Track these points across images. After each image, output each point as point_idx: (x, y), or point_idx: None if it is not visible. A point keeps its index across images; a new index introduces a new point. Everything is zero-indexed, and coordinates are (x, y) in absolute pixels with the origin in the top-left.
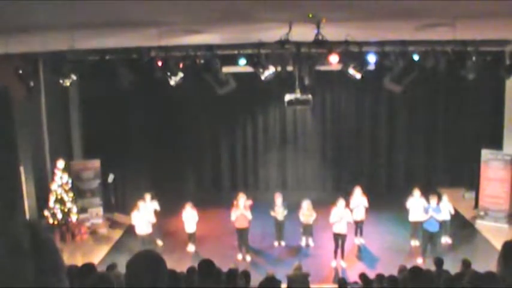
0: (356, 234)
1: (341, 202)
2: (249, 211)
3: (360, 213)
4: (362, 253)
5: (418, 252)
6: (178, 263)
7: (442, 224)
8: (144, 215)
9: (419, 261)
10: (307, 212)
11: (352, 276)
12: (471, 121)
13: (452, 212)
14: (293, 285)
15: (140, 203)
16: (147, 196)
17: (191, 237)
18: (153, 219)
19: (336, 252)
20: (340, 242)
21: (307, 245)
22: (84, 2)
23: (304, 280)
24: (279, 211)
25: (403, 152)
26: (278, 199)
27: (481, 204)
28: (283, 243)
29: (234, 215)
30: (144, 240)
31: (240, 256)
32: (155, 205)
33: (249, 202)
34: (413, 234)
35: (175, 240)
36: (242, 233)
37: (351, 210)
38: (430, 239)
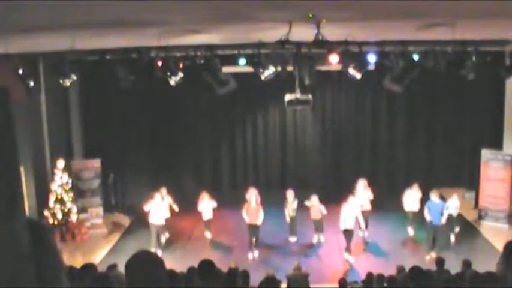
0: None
1: (352, 199)
2: (261, 208)
3: (364, 205)
4: (368, 248)
5: (419, 249)
6: (179, 262)
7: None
8: (160, 206)
9: (427, 257)
10: (315, 207)
11: (359, 270)
12: (471, 121)
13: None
14: (293, 285)
15: (157, 195)
16: (163, 190)
17: (208, 225)
18: (168, 214)
19: (348, 247)
20: (348, 237)
21: (319, 242)
22: (84, 2)
23: (304, 280)
24: (291, 207)
25: (403, 152)
26: (289, 195)
27: (481, 204)
28: (294, 239)
29: (246, 212)
30: (156, 230)
31: (250, 255)
32: (170, 201)
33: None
34: (410, 223)
35: (176, 239)
36: (253, 230)
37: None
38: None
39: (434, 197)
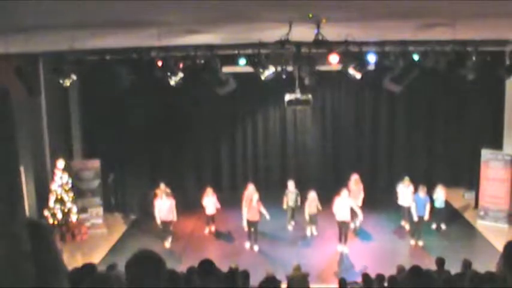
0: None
1: (344, 192)
2: (261, 206)
3: (356, 199)
4: (361, 238)
5: (418, 251)
6: (180, 262)
7: (436, 211)
8: (166, 202)
9: (411, 242)
10: (312, 203)
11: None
12: (471, 121)
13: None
14: (293, 285)
15: (163, 193)
16: (162, 184)
17: (210, 219)
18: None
19: (340, 238)
20: (343, 230)
21: (312, 234)
22: (84, 2)
23: (304, 280)
24: (292, 197)
25: (403, 151)
26: (290, 184)
27: (481, 204)
28: (293, 223)
29: (246, 209)
30: (165, 227)
31: (248, 245)
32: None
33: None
34: (404, 217)
35: (176, 239)
36: (253, 226)
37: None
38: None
39: (421, 192)
